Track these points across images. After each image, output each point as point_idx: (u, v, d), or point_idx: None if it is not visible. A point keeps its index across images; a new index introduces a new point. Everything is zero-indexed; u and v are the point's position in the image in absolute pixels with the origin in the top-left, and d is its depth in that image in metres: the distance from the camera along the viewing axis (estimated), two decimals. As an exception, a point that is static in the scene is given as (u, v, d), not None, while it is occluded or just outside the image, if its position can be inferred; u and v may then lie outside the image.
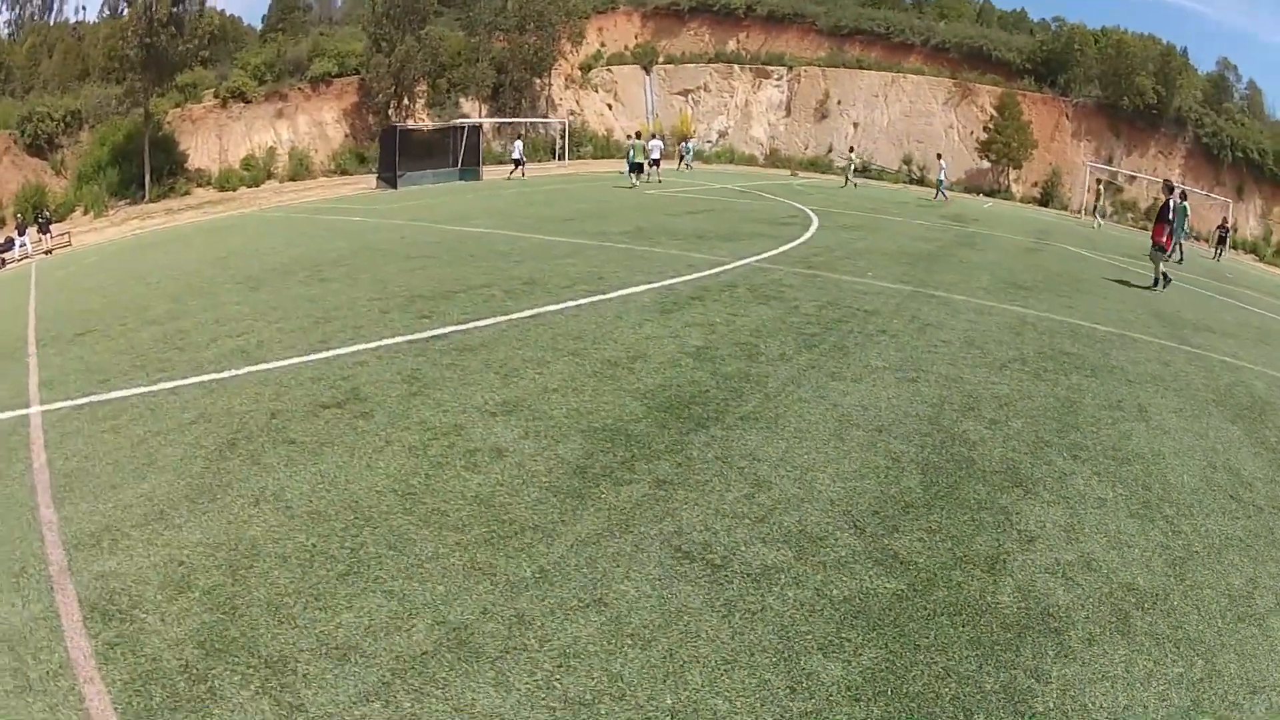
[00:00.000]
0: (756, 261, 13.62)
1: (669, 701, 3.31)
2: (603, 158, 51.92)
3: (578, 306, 9.98)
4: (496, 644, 3.65)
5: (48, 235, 30.54)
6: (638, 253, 14.31)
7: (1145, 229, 17.68)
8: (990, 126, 52.22)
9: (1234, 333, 12.62)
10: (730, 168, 51.47)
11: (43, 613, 3.98)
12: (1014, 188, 52.72)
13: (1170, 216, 16.42)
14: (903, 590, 4.06)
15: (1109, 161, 50.50)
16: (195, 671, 3.50)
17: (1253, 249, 45.50)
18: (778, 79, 61.87)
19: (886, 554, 4.37)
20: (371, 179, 38.02)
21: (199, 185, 39.62)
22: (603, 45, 63.86)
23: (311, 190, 37.55)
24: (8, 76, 48.33)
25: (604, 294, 10.65)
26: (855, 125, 58.40)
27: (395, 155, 34.63)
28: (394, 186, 33.81)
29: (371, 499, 5.03)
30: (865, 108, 58.53)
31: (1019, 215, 36.52)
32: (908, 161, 55.04)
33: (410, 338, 8.62)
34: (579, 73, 59.88)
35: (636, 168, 30.67)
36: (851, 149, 46.50)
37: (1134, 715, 3.37)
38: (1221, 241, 34.50)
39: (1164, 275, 15.71)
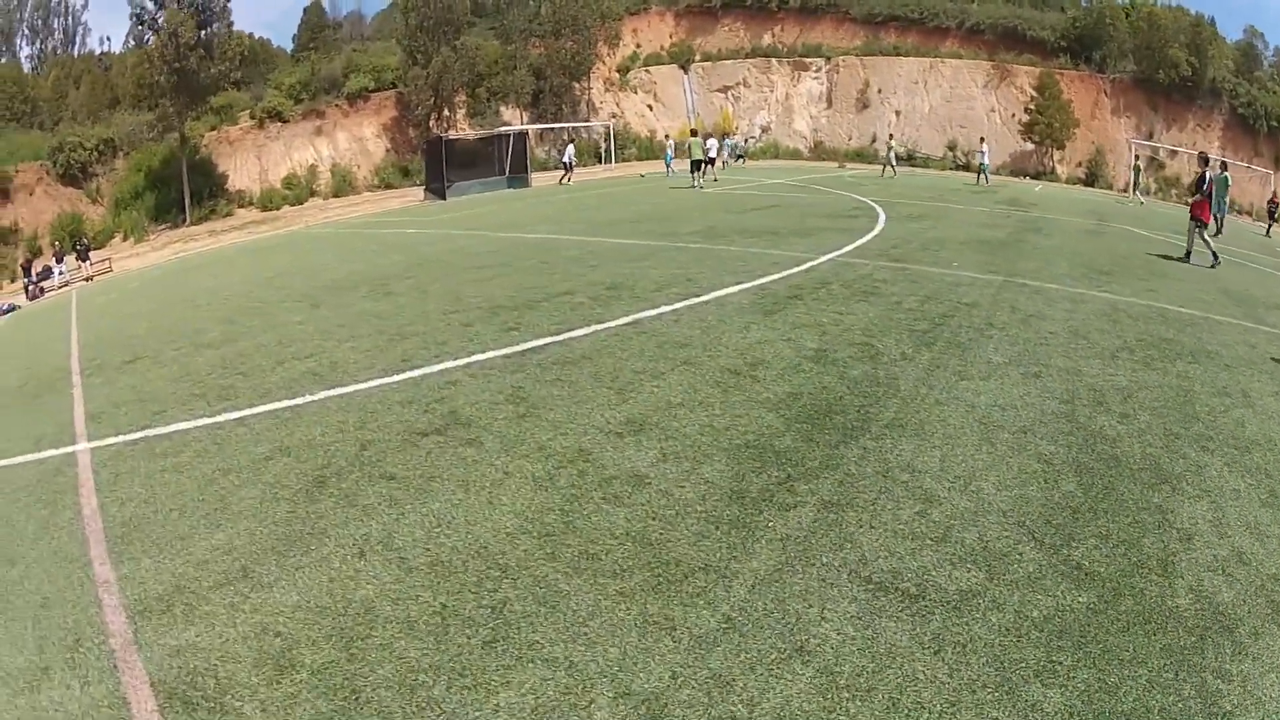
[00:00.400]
0: (839, 257, 12.86)
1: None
2: (646, 159, 51.25)
3: (674, 311, 9.15)
4: (698, 714, 3.05)
5: (87, 262, 30.43)
6: (715, 252, 13.49)
7: (1188, 204, 17.02)
8: (1031, 108, 51.19)
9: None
10: (776, 163, 50.53)
11: (106, 698, 3.27)
12: (1058, 169, 51.50)
13: (1207, 189, 15.91)
14: (1093, 603, 3.75)
15: (1149, 137, 49.30)
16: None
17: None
18: (816, 71, 60.94)
19: (1070, 565, 4.03)
20: (417, 192, 37.78)
21: (241, 206, 39.79)
22: (638, 46, 63.33)
23: (357, 206, 37.36)
24: (34, 109, 49.02)
25: (697, 296, 9.85)
26: (897, 113, 57.37)
27: (442, 166, 34.25)
28: (443, 198, 33.43)
29: (502, 543, 4.28)
30: (906, 95, 57.47)
31: (1069, 197, 35.35)
32: (952, 147, 53.88)
33: (502, 352, 7.76)
34: (617, 75, 59.37)
35: (696, 165, 29.53)
36: (891, 136, 45.51)
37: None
38: (1272, 216, 32.71)
39: (1211, 249, 15.15)
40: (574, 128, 48.95)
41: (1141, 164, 40.36)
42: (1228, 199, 24.15)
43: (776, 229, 16.58)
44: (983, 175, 36.75)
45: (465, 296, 10.59)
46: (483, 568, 4.04)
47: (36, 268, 30.57)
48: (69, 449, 6.35)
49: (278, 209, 39.42)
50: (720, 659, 3.31)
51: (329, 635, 3.53)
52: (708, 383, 6.67)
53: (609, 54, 57.05)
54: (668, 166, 39.30)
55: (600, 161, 47.30)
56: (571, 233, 17.41)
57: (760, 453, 5.25)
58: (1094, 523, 4.44)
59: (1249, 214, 35.71)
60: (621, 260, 12.92)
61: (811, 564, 3.97)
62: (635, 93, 60.52)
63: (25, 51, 61.39)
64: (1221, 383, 7.07)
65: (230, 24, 39.87)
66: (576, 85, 53.29)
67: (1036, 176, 49.30)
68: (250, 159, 41.95)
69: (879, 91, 58.12)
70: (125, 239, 35.76)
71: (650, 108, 60.75)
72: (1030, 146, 51.88)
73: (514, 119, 48.24)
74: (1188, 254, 15.43)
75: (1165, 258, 15.36)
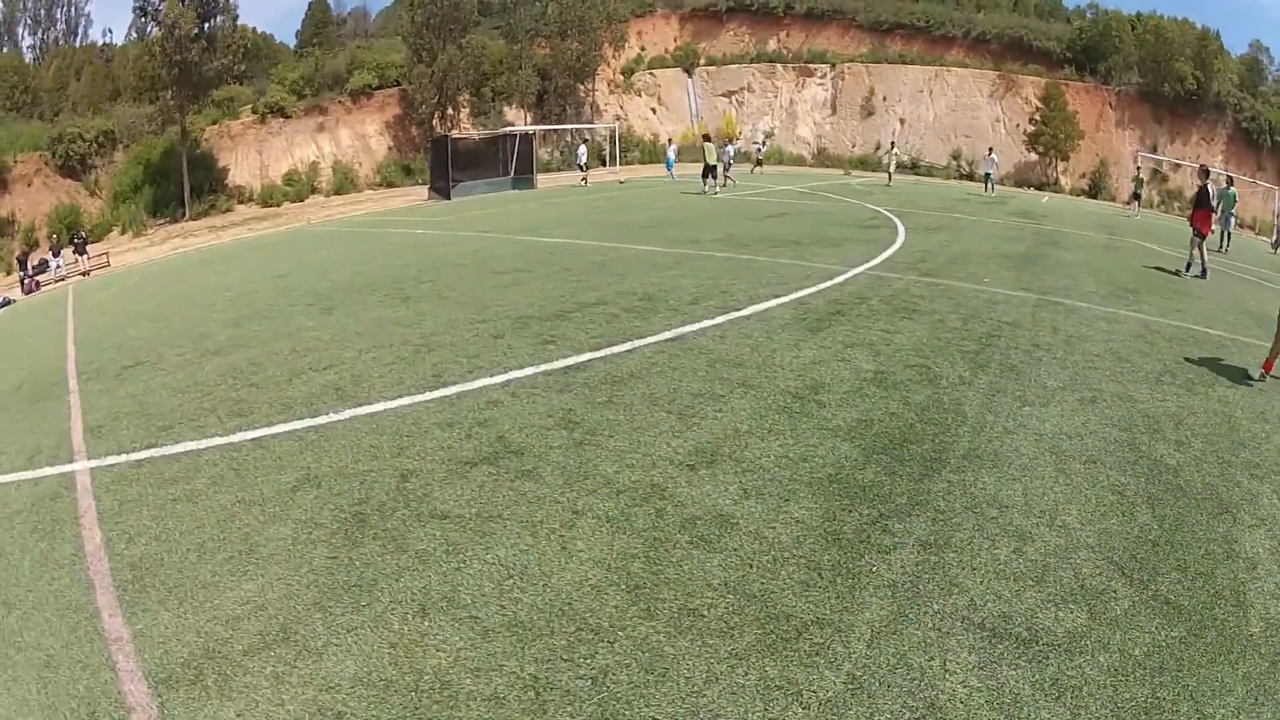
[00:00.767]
0: (869, 270, 12.48)
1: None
2: (649, 162, 50.91)
3: (717, 326, 8.63)
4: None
5: (84, 256, 29.85)
6: (743, 262, 13.01)
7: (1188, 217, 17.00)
8: (1036, 118, 51.12)
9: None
10: (781, 169, 50.00)
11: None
12: (1062, 180, 51.36)
13: (1213, 203, 16.13)
14: (1184, 636, 3.67)
15: (1153, 150, 49.18)
16: None
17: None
18: (821, 77, 60.74)
19: (1158, 599, 3.95)
20: (419, 191, 37.30)
21: (240, 201, 39.20)
22: (643, 49, 63.04)
23: (359, 204, 36.78)
24: (34, 100, 48.57)
25: (737, 310, 9.35)
26: (902, 121, 57.20)
27: (447, 165, 33.81)
28: (447, 197, 32.94)
29: (588, 599, 3.76)
30: (911, 103, 57.34)
31: (1078, 209, 35.20)
32: (956, 156, 53.83)
33: (543, 368, 7.17)
34: (621, 77, 59.00)
35: (710, 170, 29.18)
36: (893, 144, 45.12)
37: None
38: None
39: (1203, 263, 15.31)
40: (581, 129, 48.41)
41: (1144, 176, 39.98)
42: (1233, 215, 23.92)
43: (799, 238, 16.19)
44: (990, 184, 36.60)
45: (490, 304, 10.01)
46: (571, 629, 3.51)
47: (33, 260, 29.91)
48: (66, 467, 5.75)
49: (278, 205, 38.86)
50: (853, 722, 3.01)
51: (401, 717, 2.96)
52: (771, 408, 6.19)
53: (614, 56, 56.78)
54: (670, 170, 39.06)
55: (604, 164, 46.80)
56: (589, 237, 16.89)
57: (845, 488, 4.88)
58: (1172, 555, 4.36)
59: (1251, 228, 35.21)
60: (649, 269, 12.38)
61: (924, 612, 3.70)
62: (639, 95, 60.26)
63: (27, 41, 60.93)
64: (1259, 407, 6.99)
65: (235, 17, 39.37)
66: (581, 87, 52.88)
67: (1040, 187, 49.28)
68: (251, 154, 41.40)
69: (884, 99, 58.01)
70: (123, 233, 35.19)
71: (654, 111, 60.48)
72: (1034, 157, 51.80)
73: (518, 119, 47.77)
74: (1188, 266, 15.49)
75: (1177, 274, 15.26)
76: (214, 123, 40.97)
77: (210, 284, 15.65)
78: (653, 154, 52.61)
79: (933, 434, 5.75)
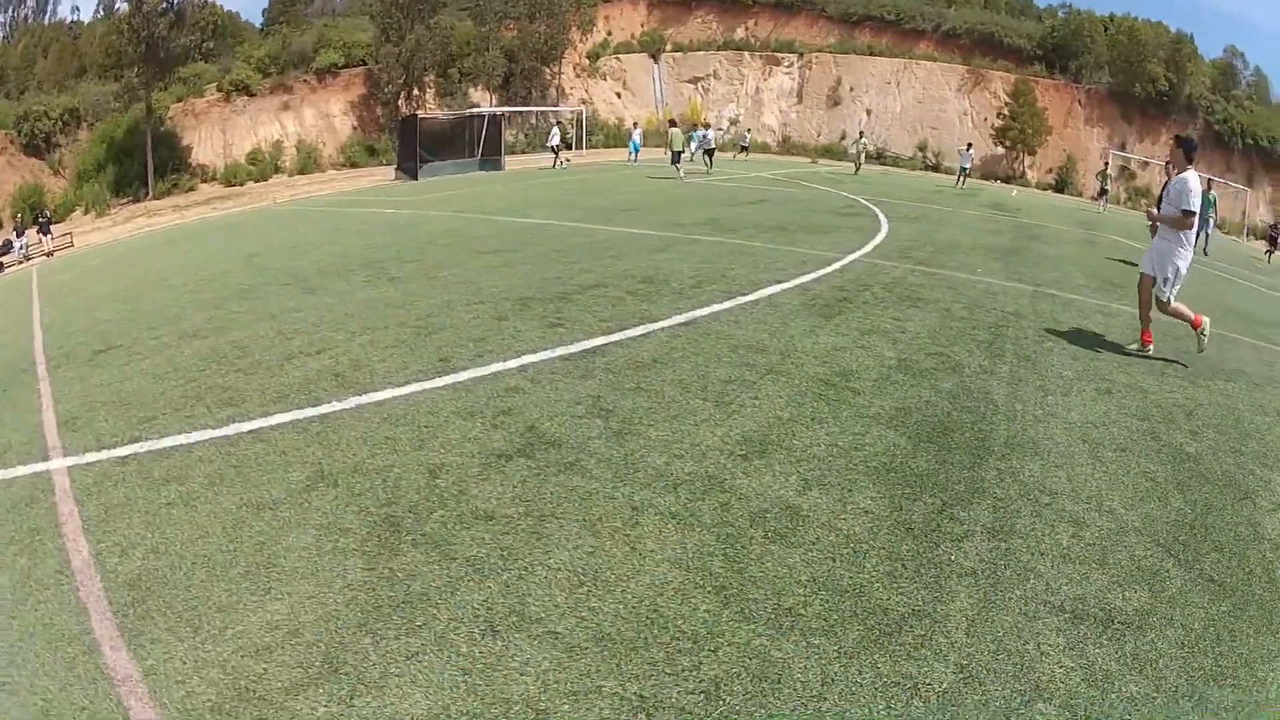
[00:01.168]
0: (862, 257, 12.36)
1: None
2: (614, 146, 50.68)
3: (728, 311, 8.33)
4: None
5: (48, 236, 29.13)
6: (733, 246, 12.76)
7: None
8: (1005, 113, 51.97)
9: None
10: (747, 156, 49.75)
11: None
12: (1029, 174, 52.20)
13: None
14: (1231, 610, 3.77)
15: (1121, 148, 50.11)
16: None
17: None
18: (788, 66, 61.10)
19: (1204, 578, 4.03)
20: (385, 171, 36.76)
21: (203, 181, 38.49)
22: (609, 34, 62.70)
23: (324, 184, 35.97)
24: (2, 78, 47.36)
25: (743, 295, 9.07)
26: (868, 112, 57.84)
27: (415, 145, 33.28)
28: (414, 178, 32.38)
29: (675, 603, 3.44)
30: (878, 94, 57.92)
31: (1047, 203, 35.66)
32: (922, 148, 54.45)
33: (556, 353, 6.75)
34: (587, 61, 58.59)
35: (676, 157, 29.06)
36: (861, 134, 45.22)
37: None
38: (1273, 242, 31.64)
39: None
40: (550, 111, 47.95)
41: (1112, 173, 40.37)
42: (1213, 217, 24.30)
43: (783, 224, 16.03)
44: (962, 178, 36.80)
45: (483, 285, 9.57)
46: (666, 639, 3.19)
47: (-4, 241, 29.03)
48: (41, 466, 5.08)
49: (241, 185, 38.15)
50: (974, 713, 2.98)
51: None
52: (806, 395, 5.94)
53: (581, 40, 56.47)
54: (634, 154, 39.14)
55: (569, 148, 46.48)
56: (568, 219, 16.51)
57: (904, 477, 4.77)
58: (1208, 537, 4.44)
59: (1219, 228, 35.67)
60: (641, 251, 12.05)
61: (1009, 598, 3.68)
62: (605, 80, 59.99)
63: (-2, 20, 59.80)
64: (1257, 400, 7.09)
65: (204, -7, 38.45)
66: (547, 70, 52.48)
67: (1007, 180, 49.83)
68: (215, 133, 40.55)
69: (850, 89, 58.50)
70: (86, 212, 34.40)
71: (619, 95, 60.26)
72: (1001, 151, 52.49)
73: (483, 101, 47.19)
74: None
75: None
76: (179, 100, 40.12)
77: (179, 264, 14.98)
78: (617, 138, 52.31)
79: (971, 422, 5.66)
